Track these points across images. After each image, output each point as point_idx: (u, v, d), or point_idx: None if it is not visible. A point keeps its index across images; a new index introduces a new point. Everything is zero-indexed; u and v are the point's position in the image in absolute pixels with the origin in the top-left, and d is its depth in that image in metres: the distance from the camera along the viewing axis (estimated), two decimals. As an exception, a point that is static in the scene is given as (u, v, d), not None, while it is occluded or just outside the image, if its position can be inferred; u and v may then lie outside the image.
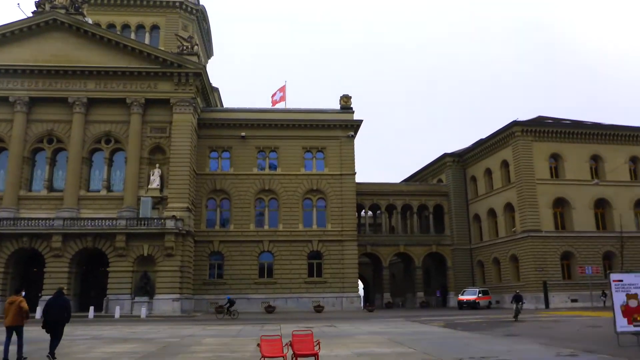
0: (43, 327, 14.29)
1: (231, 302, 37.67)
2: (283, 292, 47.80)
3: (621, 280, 11.61)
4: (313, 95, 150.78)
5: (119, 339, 20.68)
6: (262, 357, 11.67)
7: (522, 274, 47.74)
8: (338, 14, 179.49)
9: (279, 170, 50.80)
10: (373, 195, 55.57)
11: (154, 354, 15.46)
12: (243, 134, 50.52)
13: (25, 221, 42.20)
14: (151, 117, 46.77)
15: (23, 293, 15.92)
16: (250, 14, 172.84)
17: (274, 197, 50.19)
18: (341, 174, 50.96)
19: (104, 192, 45.68)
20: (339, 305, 47.65)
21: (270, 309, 43.68)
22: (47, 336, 14.69)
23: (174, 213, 43.47)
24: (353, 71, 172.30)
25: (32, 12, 47.73)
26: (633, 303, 11.44)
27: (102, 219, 42.80)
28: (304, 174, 50.88)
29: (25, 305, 14.24)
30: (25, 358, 13.92)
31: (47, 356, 14.01)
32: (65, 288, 15.68)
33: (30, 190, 45.41)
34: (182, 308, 41.96)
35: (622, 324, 11.47)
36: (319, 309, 44.06)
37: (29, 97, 45.67)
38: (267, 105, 54.18)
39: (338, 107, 53.32)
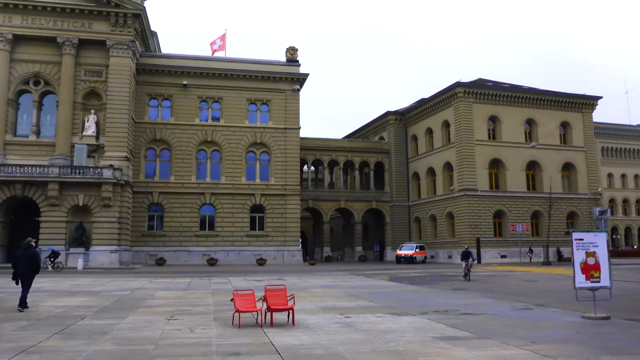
0: (13, 278, 14.03)
1: (55, 254, 35.93)
2: (224, 245, 47.45)
3: (582, 239, 12.21)
4: (255, 46, 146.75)
5: (65, 292, 19.75)
6: (236, 310, 11.46)
7: (457, 230, 49.90)
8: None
9: (222, 122, 49.44)
10: (316, 151, 55.52)
11: (111, 308, 14.87)
12: (185, 82, 48.46)
13: (-56, 166, 38.88)
14: (85, 59, 43.74)
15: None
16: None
17: (217, 149, 49.00)
18: (285, 128, 50.36)
19: (33, 138, 42.78)
20: (280, 258, 48.03)
21: (212, 262, 43.31)
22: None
23: (112, 162, 41.55)
24: (298, 22, 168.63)
25: None
26: (591, 260, 12.10)
27: (32, 165, 40.19)
28: (248, 126, 49.85)
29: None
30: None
31: (18, 309, 13.84)
32: (33, 240, 14.97)
33: (-52, 133, 41.68)
34: (120, 260, 40.73)
35: (581, 280, 12.15)
36: (261, 262, 44.21)
37: (-62, 29, 41.24)
38: (207, 54, 51.87)
39: (284, 59, 52.14)
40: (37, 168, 40.07)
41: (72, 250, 39.70)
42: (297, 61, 51.62)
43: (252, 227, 48.68)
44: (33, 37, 42.67)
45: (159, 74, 48.37)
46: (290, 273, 33.06)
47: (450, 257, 50.03)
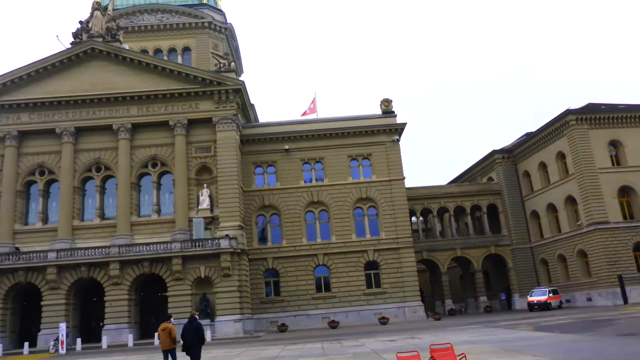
0: (183, 349, 15.30)
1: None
2: (343, 305, 46.40)
3: None
4: (343, 104, 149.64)
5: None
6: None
7: (593, 269, 45.30)
8: (351, 22, 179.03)
9: (326, 181, 49.68)
10: (423, 199, 53.98)
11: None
12: (287, 147, 49.64)
13: (82, 251, 41.92)
14: (195, 137, 46.34)
15: (172, 320, 17.19)
16: (275, 29, 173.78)
17: (324, 209, 49.02)
18: (390, 180, 49.55)
19: (155, 217, 45.26)
20: (401, 315, 45.96)
21: (333, 324, 42.29)
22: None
23: (227, 232, 42.69)
24: (383, 75, 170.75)
25: (71, 44, 47.98)
26: None
27: (156, 243, 42.25)
28: (351, 182, 49.65)
29: (174, 331, 15.73)
30: None
31: None
32: (196, 313, 16.46)
33: (83, 220, 45.30)
34: (244, 329, 40.92)
35: None
36: (383, 320, 42.47)
37: (74, 128, 45.74)
38: (300, 117, 53.17)
39: (378, 112, 52.10)
40: (161, 245, 42.05)
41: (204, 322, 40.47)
42: (393, 112, 51.37)
43: (369, 285, 47.37)
44: (148, 124, 46.06)
45: (261, 142, 50.04)
46: (420, 330, 31.20)
47: (589, 299, 45.26)
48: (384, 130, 50.22)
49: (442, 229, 59.28)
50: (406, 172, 49.97)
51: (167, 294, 41.64)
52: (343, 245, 47.86)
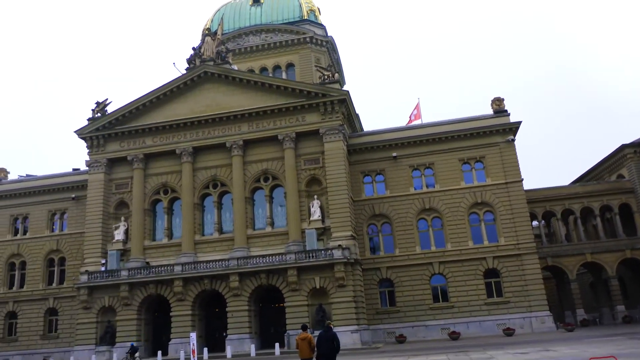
0: (317, 358, 15.67)
1: (133, 349, 37.71)
2: (462, 316, 44.35)
3: None
4: (448, 108, 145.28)
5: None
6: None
7: None
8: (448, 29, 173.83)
9: (437, 187, 48.05)
10: (545, 202, 50.34)
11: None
12: (394, 154, 48.79)
13: (204, 264, 44.06)
14: (303, 149, 47.14)
15: (310, 330, 18.32)
16: (371, 37, 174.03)
17: (437, 216, 47.39)
18: (506, 183, 46.81)
19: (269, 229, 46.49)
20: (527, 326, 42.92)
21: (454, 336, 40.52)
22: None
23: (339, 242, 42.70)
24: (487, 75, 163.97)
25: (185, 69, 51.11)
26: None
27: (271, 255, 43.32)
28: (464, 187, 47.57)
29: (314, 340, 16.01)
30: None
31: None
32: (332, 323, 16.83)
33: (203, 234, 47.68)
34: (362, 339, 40.49)
35: None
36: (508, 331, 39.95)
37: (192, 147, 48.50)
38: (403, 124, 51.97)
39: (488, 112, 49.63)
40: (277, 256, 43.02)
41: (316, 332, 40.70)
42: (506, 111, 48.65)
43: (489, 294, 44.88)
44: (259, 140, 47.61)
45: (368, 151, 49.64)
46: (553, 342, 28.82)
47: None
48: (496, 130, 47.67)
49: (568, 232, 54.86)
50: (523, 173, 46.94)
51: (284, 304, 42.43)
52: (459, 253, 45.88)
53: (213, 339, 45.25)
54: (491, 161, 47.37)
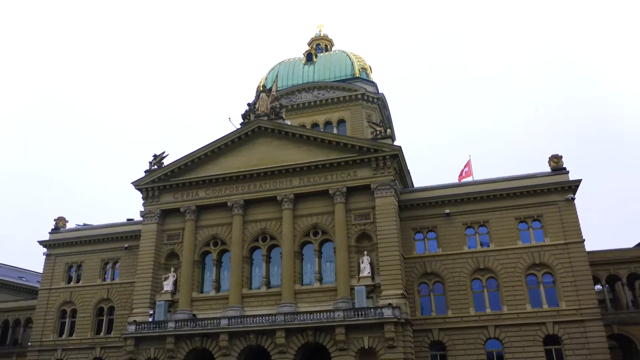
0: None
1: None
2: (520, 385, 41.42)
3: None
4: (499, 166, 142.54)
5: None
6: None
7: None
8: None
9: (492, 246, 46.26)
10: (608, 265, 47.53)
11: None
12: (447, 211, 47.64)
13: (251, 318, 43.40)
14: (354, 204, 46.79)
15: None
16: (421, 96, 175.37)
17: (492, 276, 45.36)
18: (566, 243, 44.58)
19: (317, 285, 45.71)
20: (594, 400, 39.59)
21: (513, 407, 37.76)
22: None
23: (389, 301, 41.37)
24: (540, 133, 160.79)
25: (240, 124, 52.42)
26: None
27: (319, 311, 42.28)
28: (521, 247, 45.58)
29: None
30: None
31: None
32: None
33: (250, 288, 47.31)
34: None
35: None
36: (573, 405, 36.90)
37: (243, 200, 49.02)
38: (453, 181, 50.85)
39: (544, 169, 48.07)
40: (324, 313, 41.93)
41: (364, 396, 38.92)
42: (564, 168, 47.01)
43: (550, 362, 41.93)
44: (309, 194, 47.67)
45: (420, 207, 48.69)
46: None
47: None
48: (555, 188, 45.94)
49: (634, 298, 51.24)
50: (584, 233, 44.64)
51: (332, 364, 40.95)
52: (517, 317, 43.42)
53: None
54: (550, 220, 45.45)
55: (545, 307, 43.37)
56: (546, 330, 42.47)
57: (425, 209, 48.52)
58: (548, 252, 44.58)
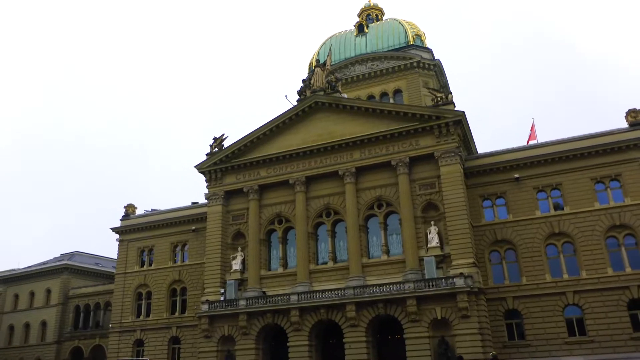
0: None
1: None
2: (604, 351, 39.58)
3: None
4: (564, 129, 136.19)
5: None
6: None
7: None
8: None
9: (566, 209, 44.09)
10: (696, 223, 44.30)
11: None
12: (516, 175, 45.72)
13: (320, 293, 43.53)
14: (418, 174, 45.69)
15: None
16: (477, 60, 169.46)
17: (568, 241, 43.33)
18: (649, 202, 41.90)
19: (384, 257, 45.19)
20: (690, 366, 37.34)
21: (599, 374, 36.22)
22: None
23: (460, 270, 40.30)
24: (610, 86, 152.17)
25: (297, 101, 52.07)
26: None
27: (389, 284, 41.83)
28: (599, 208, 43.20)
29: None
30: None
31: None
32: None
33: (317, 264, 47.39)
34: (492, 375, 37.35)
35: None
36: (666, 371, 34.94)
37: (305, 177, 48.89)
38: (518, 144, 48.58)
39: (622, 125, 45.13)
40: (394, 285, 41.44)
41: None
42: (643, 123, 43.94)
43: (635, 328, 39.75)
44: (371, 166, 46.90)
45: (487, 174, 47.00)
46: None
47: None
48: (634, 145, 42.96)
49: None
50: (668, 191, 41.68)
51: (404, 336, 40.55)
52: (597, 282, 41.37)
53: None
54: (629, 179, 42.73)
55: (629, 270, 41.06)
56: (630, 294, 40.29)
57: (493, 174, 46.76)
58: (629, 213, 42.04)
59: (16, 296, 72.04)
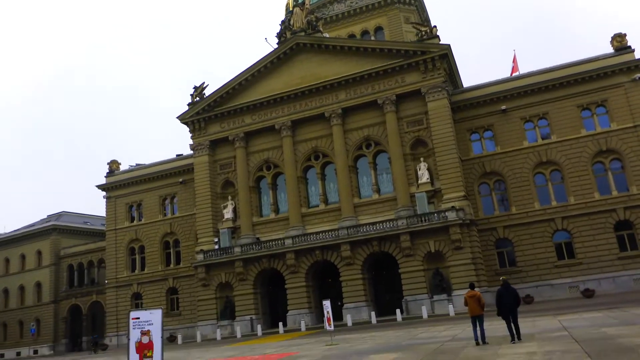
0: (499, 314, 16.00)
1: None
2: (592, 272, 41.03)
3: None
4: (545, 59, 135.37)
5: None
6: None
7: None
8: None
9: (554, 138, 44.44)
10: (680, 144, 45.09)
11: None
12: (503, 107, 45.69)
13: (314, 235, 43.92)
14: (405, 112, 45.37)
15: (476, 288, 18.67)
16: None
17: (556, 168, 43.95)
18: (635, 126, 42.31)
19: (375, 196, 45.44)
20: (671, 280, 38.95)
21: (588, 293, 37.65)
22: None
23: (452, 204, 40.78)
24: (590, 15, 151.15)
25: (277, 44, 50.70)
26: None
27: (382, 222, 42.28)
28: (585, 135, 43.62)
29: (483, 298, 16.41)
30: (486, 342, 15.84)
31: (513, 340, 15.50)
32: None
33: (309, 207, 47.53)
34: (486, 301, 38.45)
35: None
36: (652, 287, 36.41)
37: (290, 121, 48.26)
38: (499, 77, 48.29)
39: (606, 51, 45.00)
40: (387, 223, 41.92)
41: (435, 297, 39.49)
42: (629, 47, 43.79)
43: (622, 248, 41.12)
44: (358, 106, 46.39)
45: (473, 107, 46.90)
46: None
47: None
48: (619, 69, 43.01)
49: None
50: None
51: (399, 270, 41.42)
52: (584, 206, 42.32)
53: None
54: (615, 104, 42.98)
55: (615, 193, 41.99)
56: (617, 217, 41.39)
57: (480, 107, 46.69)
58: (615, 138, 42.54)
59: (7, 260, 71.59)
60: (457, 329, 22.23)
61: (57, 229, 68.93)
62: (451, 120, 43.87)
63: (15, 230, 74.61)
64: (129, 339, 11.78)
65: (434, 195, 42.93)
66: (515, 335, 15.50)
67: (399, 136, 44.73)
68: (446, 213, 40.05)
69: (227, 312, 46.30)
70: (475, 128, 46.80)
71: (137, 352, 11.67)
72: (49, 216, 76.63)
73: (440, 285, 39.68)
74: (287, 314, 44.06)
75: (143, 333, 11.59)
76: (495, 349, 14.10)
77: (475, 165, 45.92)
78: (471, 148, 46.68)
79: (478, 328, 15.86)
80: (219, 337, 43.74)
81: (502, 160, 45.19)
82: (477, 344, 15.74)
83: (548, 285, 41.84)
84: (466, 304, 16.26)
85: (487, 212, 45.32)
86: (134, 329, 11.77)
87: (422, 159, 43.85)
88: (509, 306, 15.60)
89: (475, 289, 16.86)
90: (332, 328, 23.08)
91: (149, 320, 11.69)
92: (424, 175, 43.20)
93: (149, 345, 11.52)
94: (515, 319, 15.60)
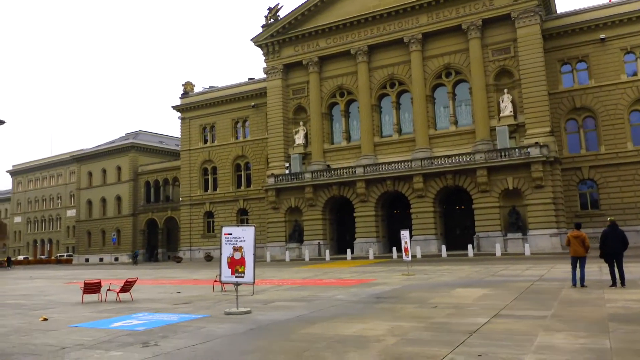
0: (602, 256, 14.73)
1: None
2: (685, 220, 38.19)
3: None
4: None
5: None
6: None
7: None
8: None
9: (657, 72, 40.32)
10: None
11: None
12: (602, 35, 41.52)
13: (386, 165, 43.15)
14: (491, 38, 42.31)
15: (554, 229, 17.42)
16: None
17: (656, 106, 40.17)
18: None
19: (452, 128, 43.63)
20: None
21: (680, 242, 35.16)
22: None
23: (535, 139, 38.46)
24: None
25: (356, -38, 47.77)
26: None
27: (458, 155, 40.76)
28: (695, 70, 39.23)
29: (587, 239, 14.89)
30: (585, 286, 14.68)
31: (613, 285, 14.49)
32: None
33: (382, 136, 46.48)
34: (562, 244, 36.98)
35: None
36: None
37: (367, 46, 46.37)
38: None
39: None
40: (464, 156, 40.36)
41: (509, 235, 38.29)
42: None
43: None
44: (439, 31, 43.69)
45: (568, 35, 42.93)
46: None
47: None
48: None
49: None
50: None
51: (473, 206, 40.24)
52: (684, 149, 38.80)
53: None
54: None
55: None
56: None
57: (575, 36, 42.68)
58: None
59: (90, 174, 75.99)
60: (541, 269, 21.27)
61: (135, 147, 71.83)
62: (542, 49, 40.52)
63: (97, 146, 78.46)
64: (221, 254, 11.84)
65: (516, 129, 40.63)
66: (618, 281, 14.41)
67: (483, 65, 42.02)
68: (529, 149, 37.92)
69: (296, 236, 47.26)
70: (568, 59, 43.06)
71: (228, 267, 11.76)
72: (127, 134, 79.85)
73: (515, 224, 38.30)
74: (355, 242, 44.40)
75: (235, 249, 11.59)
76: (599, 293, 13.19)
77: (563, 100, 42.69)
78: (561, 80, 43.24)
79: (578, 270, 14.72)
80: (287, 259, 44.93)
81: (595, 95, 41.69)
82: (574, 286, 14.75)
83: (634, 232, 39.32)
84: (568, 243, 14.98)
85: (572, 150, 42.52)
86: (225, 244, 11.78)
87: (506, 90, 41.21)
88: (616, 249, 14.36)
89: (580, 230, 15.32)
90: (410, 258, 22.75)
91: (242, 236, 11.65)
92: (507, 108, 40.77)
93: (241, 262, 11.55)
94: (621, 263, 14.45)
